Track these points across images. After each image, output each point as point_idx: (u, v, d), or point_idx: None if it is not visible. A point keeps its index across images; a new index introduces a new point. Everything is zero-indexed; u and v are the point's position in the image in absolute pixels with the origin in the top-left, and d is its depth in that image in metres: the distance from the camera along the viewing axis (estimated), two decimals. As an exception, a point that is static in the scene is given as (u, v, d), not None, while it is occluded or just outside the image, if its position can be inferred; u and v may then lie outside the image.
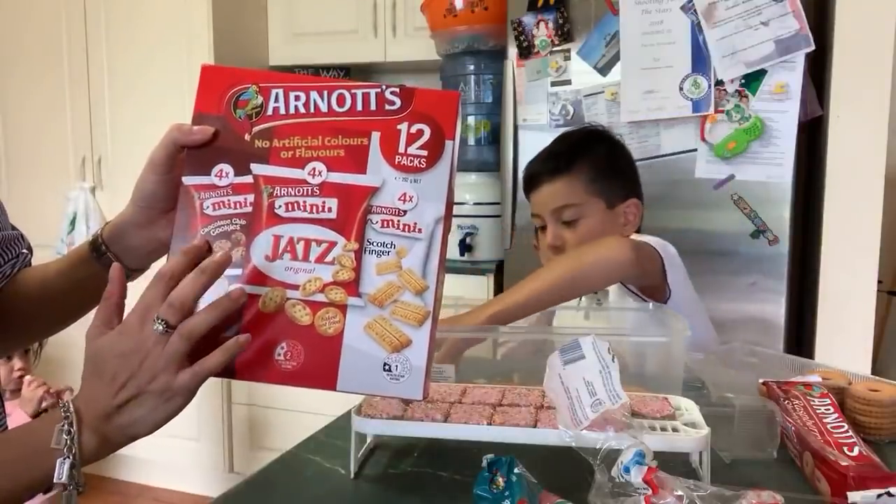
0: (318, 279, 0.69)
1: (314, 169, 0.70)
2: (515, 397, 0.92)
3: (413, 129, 0.70)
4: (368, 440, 0.94)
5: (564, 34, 2.12)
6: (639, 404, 0.88)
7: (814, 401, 0.92)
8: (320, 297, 0.69)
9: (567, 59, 2.14)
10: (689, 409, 0.88)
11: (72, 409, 0.64)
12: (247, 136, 0.72)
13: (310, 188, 0.70)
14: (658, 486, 0.66)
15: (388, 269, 0.69)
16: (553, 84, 2.16)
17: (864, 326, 1.94)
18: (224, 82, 0.73)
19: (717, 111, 1.96)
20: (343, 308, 0.69)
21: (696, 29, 1.95)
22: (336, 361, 0.68)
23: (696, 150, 1.99)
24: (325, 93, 0.71)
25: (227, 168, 0.71)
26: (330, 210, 0.70)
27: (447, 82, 2.54)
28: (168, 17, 2.76)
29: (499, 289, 2.40)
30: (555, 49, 2.14)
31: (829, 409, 0.90)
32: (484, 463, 0.74)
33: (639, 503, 0.66)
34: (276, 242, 0.70)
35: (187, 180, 0.72)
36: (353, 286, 0.69)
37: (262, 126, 0.72)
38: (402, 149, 0.70)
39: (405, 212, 0.70)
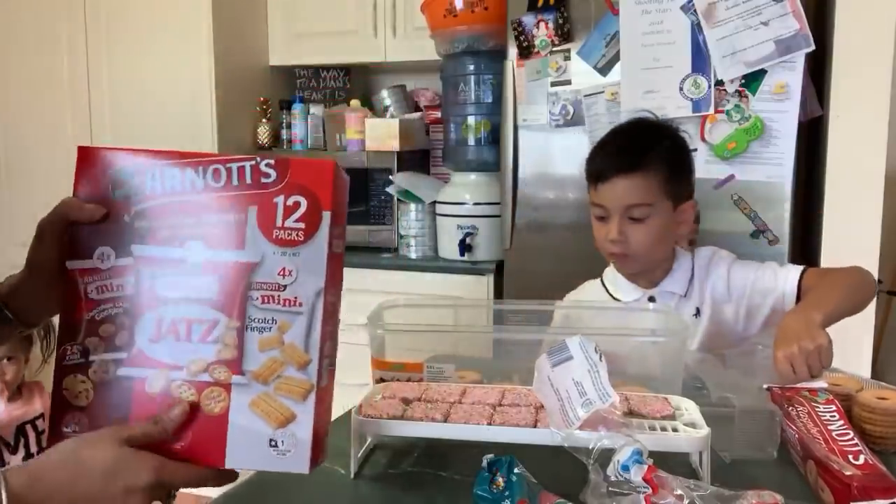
0: (201, 360, 0.70)
1: (193, 247, 0.71)
2: (515, 397, 0.92)
3: (290, 202, 0.71)
4: (368, 440, 0.94)
5: (564, 34, 2.12)
6: (639, 404, 0.88)
7: (819, 407, 0.91)
8: (205, 377, 0.70)
9: (567, 59, 2.13)
10: (689, 409, 0.88)
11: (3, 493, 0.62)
12: (126, 218, 0.72)
13: (189, 267, 0.71)
14: (658, 485, 0.66)
15: (271, 344, 0.70)
16: (553, 84, 2.16)
17: (864, 327, 1.94)
18: (101, 162, 0.73)
19: (717, 111, 1.95)
20: (228, 387, 0.70)
21: (696, 29, 1.95)
22: (223, 439, 0.70)
23: (696, 150, 1.98)
24: (201, 169, 0.71)
25: (108, 251, 0.72)
26: (211, 289, 0.70)
27: (447, 82, 2.54)
28: (168, 17, 2.76)
29: (498, 289, 2.40)
30: (555, 49, 2.14)
31: (834, 416, 0.88)
32: (484, 463, 0.74)
33: (638, 502, 0.66)
34: (159, 324, 0.71)
35: (71, 265, 0.73)
36: (236, 364, 0.70)
37: (141, 206, 0.72)
38: (279, 222, 0.70)
39: (285, 286, 0.70)
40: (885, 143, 1.91)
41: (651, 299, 1.40)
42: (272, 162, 0.71)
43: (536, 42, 2.16)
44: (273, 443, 0.69)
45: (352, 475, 0.88)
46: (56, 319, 0.76)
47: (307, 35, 2.88)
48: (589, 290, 1.51)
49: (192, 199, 0.71)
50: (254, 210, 0.71)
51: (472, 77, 2.46)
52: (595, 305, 1.44)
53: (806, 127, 1.95)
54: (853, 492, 0.73)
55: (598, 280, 1.50)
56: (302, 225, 0.70)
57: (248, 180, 0.71)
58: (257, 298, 0.70)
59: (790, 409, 0.92)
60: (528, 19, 2.16)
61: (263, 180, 0.71)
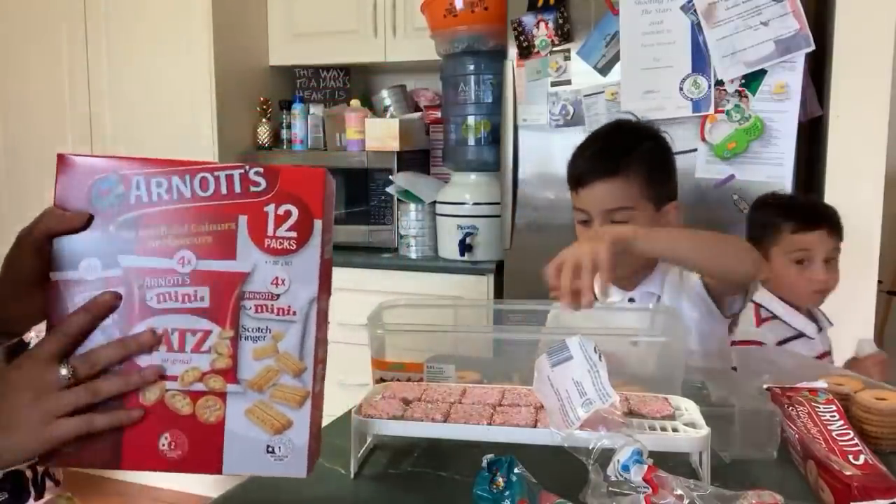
0: (195, 369, 0.69)
1: (183, 258, 0.69)
2: (515, 397, 0.92)
3: (280, 211, 0.69)
4: (368, 440, 0.94)
5: (564, 34, 2.12)
6: (639, 404, 0.88)
7: (819, 407, 0.91)
8: (199, 387, 0.69)
9: (567, 59, 2.13)
10: (689, 409, 0.88)
11: None
12: (112, 228, 0.70)
13: (180, 277, 0.69)
14: (658, 485, 0.66)
15: (266, 353, 0.69)
16: (553, 84, 2.16)
17: (864, 326, 1.94)
18: (83, 172, 0.70)
19: (717, 111, 1.96)
20: (223, 396, 0.69)
21: (696, 29, 1.95)
22: (220, 447, 0.70)
23: (696, 150, 1.99)
24: (188, 177, 0.69)
25: (94, 262, 0.70)
26: (202, 299, 0.69)
27: (447, 82, 2.54)
28: (168, 16, 2.76)
29: (498, 289, 2.40)
30: (555, 49, 2.14)
31: (834, 416, 0.88)
32: (484, 463, 0.74)
33: (638, 502, 0.66)
34: (151, 335, 0.70)
35: (55, 276, 0.70)
36: (231, 373, 0.69)
37: (126, 216, 0.70)
38: (270, 231, 0.69)
39: (278, 296, 0.69)
40: (885, 143, 1.91)
41: (631, 300, 1.41)
42: (261, 170, 0.70)
43: (536, 42, 2.16)
44: (270, 449, 0.70)
45: (352, 475, 0.88)
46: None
47: (307, 35, 2.88)
48: None
49: (179, 208, 0.69)
50: (244, 219, 0.69)
51: (472, 77, 2.46)
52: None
53: (806, 127, 1.95)
54: (853, 492, 0.73)
55: None
56: (294, 234, 0.69)
57: (238, 189, 0.69)
58: (251, 308, 0.69)
59: (790, 409, 0.92)
60: (528, 19, 2.16)
61: (252, 189, 0.69)
